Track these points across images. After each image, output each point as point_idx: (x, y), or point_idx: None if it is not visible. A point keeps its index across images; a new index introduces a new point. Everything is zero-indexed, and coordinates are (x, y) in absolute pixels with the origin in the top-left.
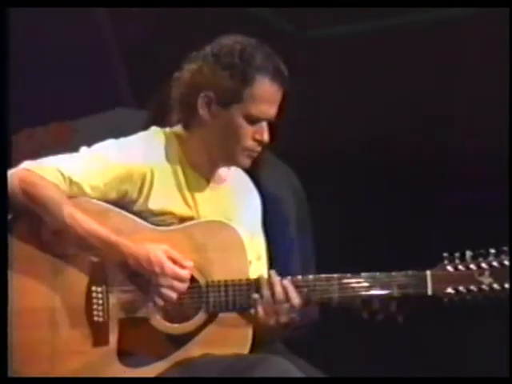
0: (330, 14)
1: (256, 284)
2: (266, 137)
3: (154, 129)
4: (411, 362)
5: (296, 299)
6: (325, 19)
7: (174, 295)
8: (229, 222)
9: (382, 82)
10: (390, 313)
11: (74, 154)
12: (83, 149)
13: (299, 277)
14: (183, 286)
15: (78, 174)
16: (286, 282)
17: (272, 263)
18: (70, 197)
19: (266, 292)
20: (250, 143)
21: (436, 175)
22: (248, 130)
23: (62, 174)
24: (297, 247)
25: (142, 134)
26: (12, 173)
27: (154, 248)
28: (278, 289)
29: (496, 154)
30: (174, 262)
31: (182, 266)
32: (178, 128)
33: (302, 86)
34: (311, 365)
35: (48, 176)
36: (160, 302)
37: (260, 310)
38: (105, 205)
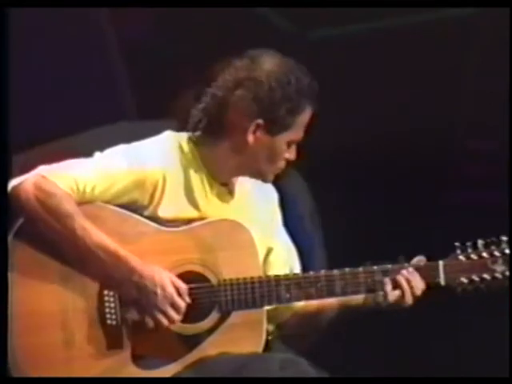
0: (330, 15)
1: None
2: (294, 156)
3: (167, 133)
4: (411, 362)
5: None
6: (325, 19)
7: (165, 322)
8: (240, 221)
9: (382, 82)
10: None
11: (89, 160)
12: (97, 154)
13: (311, 272)
14: (176, 317)
15: (91, 182)
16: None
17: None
18: (82, 203)
19: None
20: (281, 163)
21: (437, 175)
22: (285, 152)
23: (77, 183)
24: (317, 242)
25: (154, 139)
26: (27, 178)
27: (161, 271)
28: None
29: (496, 154)
30: (177, 290)
31: (182, 297)
32: (200, 137)
33: None
34: (310, 362)
35: (62, 184)
36: (150, 322)
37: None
38: (117, 209)
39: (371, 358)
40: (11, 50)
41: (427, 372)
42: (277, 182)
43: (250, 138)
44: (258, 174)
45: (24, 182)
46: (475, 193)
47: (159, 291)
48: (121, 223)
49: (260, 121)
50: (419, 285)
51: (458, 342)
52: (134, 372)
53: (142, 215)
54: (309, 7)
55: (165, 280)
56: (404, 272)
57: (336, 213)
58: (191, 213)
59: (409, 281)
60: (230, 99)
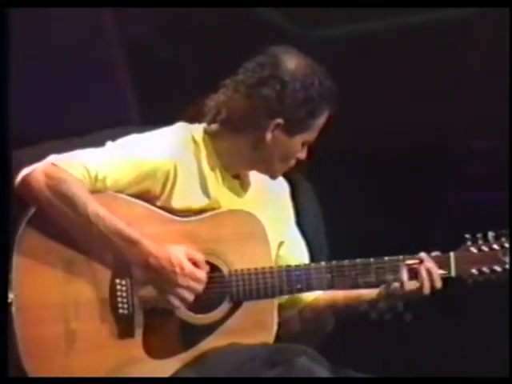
0: (331, 14)
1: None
2: (305, 156)
3: (180, 124)
4: (411, 362)
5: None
6: (325, 19)
7: (191, 296)
8: (252, 212)
9: (382, 81)
10: (398, 313)
11: (100, 149)
12: (109, 143)
13: (322, 263)
14: (200, 288)
15: (103, 170)
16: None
17: None
18: (94, 192)
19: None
20: (293, 162)
21: (437, 175)
22: (298, 152)
23: (88, 170)
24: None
25: (167, 129)
26: (37, 167)
27: (176, 249)
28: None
29: (497, 153)
30: (194, 262)
31: (201, 267)
32: (216, 130)
33: None
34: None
35: (74, 172)
36: (177, 302)
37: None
38: (129, 198)
39: (370, 357)
40: (11, 50)
41: (427, 372)
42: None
43: (269, 136)
44: (269, 171)
45: (34, 171)
46: (475, 192)
47: (178, 270)
48: (132, 212)
49: (280, 120)
50: (438, 276)
51: (457, 341)
52: (145, 361)
53: (154, 205)
54: (309, 7)
55: (181, 258)
56: (425, 262)
57: (336, 213)
58: (203, 203)
59: (429, 271)
60: (254, 96)
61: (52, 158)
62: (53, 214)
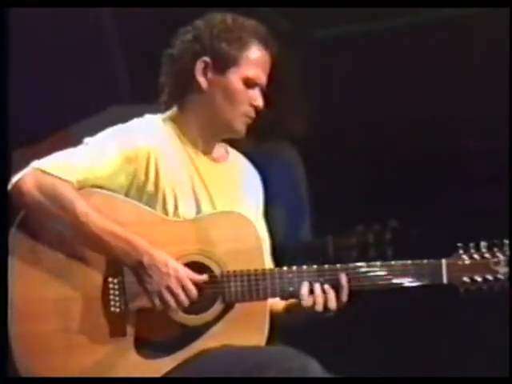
0: (330, 14)
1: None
2: (260, 102)
3: (148, 116)
4: (411, 362)
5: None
6: (325, 19)
7: (174, 303)
8: (238, 201)
9: (382, 81)
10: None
11: (80, 147)
12: (87, 139)
13: (314, 266)
14: (186, 301)
15: (87, 166)
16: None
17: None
18: (81, 188)
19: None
20: (246, 108)
21: (437, 175)
22: (245, 94)
23: (73, 169)
24: (307, 208)
25: (139, 120)
26: (25, 173)
27: (174, 261)
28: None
29: (497, 154)
30: (188, 275)
31: (196, 284)
32: (172, 111)
33: (301, 85)
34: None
35: (59, 173)
36: (159, 305)
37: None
38: (118, 196)
39: (370, 357)
40: (11, 49)
41: (427, 372)
42: (273, 151)
43: (202, 80)
44: (227, 125)
45: (23, 177)
46: (475, 192)
47: (172, 272)
48: (121, 211)
49: (206, 58)
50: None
51: (457, 341)
52: (136, 361)
53: (143, 196)
54: (309, 7)
55: (178, 266)
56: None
57: (335, 212)
58: (187, 189)
59: (323, 289)
60: (175, 51)
61: (36, 163)
62: (44, 216)
